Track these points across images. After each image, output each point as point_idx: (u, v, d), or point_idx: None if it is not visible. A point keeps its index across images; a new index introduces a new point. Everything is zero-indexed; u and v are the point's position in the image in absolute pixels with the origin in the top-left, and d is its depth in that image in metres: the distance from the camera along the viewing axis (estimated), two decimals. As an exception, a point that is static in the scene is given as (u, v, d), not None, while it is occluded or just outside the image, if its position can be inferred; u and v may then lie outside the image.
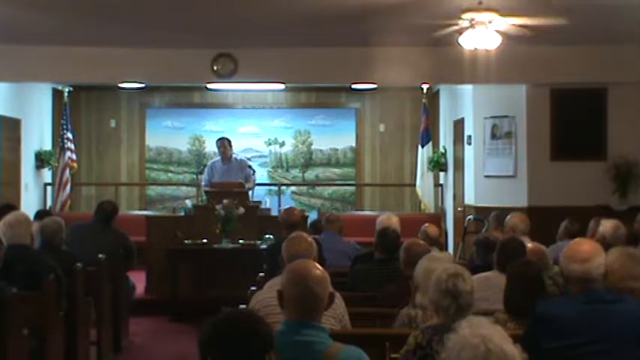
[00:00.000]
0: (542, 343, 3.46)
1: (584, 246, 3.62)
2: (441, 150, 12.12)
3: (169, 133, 13.26)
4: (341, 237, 7.18)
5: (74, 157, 11.96)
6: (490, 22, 7.05)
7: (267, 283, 4.49)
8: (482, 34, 7.12)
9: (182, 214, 9.55)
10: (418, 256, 4.47)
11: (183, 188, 13.17)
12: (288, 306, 2.93)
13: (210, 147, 12.47)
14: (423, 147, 11.88)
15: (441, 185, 12.29)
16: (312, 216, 9.86)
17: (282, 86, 11.76)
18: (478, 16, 6.99)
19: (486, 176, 10.15)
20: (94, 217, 7.51)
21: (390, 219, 6.49)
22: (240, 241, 8.55)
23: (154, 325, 8.30)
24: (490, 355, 2.28)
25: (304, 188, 13.39)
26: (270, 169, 13.30)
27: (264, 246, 8.00)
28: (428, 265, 4.14)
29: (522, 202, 9.72)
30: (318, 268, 2.99)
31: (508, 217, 6.88)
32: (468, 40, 7.24)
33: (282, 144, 13.31)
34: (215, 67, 9.63)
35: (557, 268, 5.37)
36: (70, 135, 11.86)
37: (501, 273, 4.82)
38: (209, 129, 13.11)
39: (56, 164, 11.81)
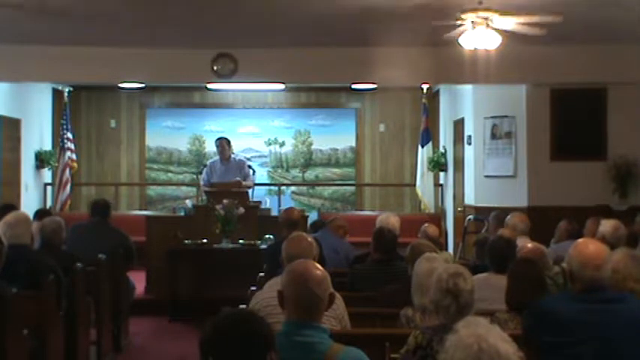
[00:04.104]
0: (542, 336, 3.48)
1: (597, 251, 3.60)
2: (441, 150, 12.11)
3: (169, 133, 13.25)
4: (338, 237, 7.15)
5: (74, 157, 11.96)
6: (490, 22, 7.04)
7: (267, 283, 4.49)
8: (482, 34, 7.11)
9: (182, 214, 9.54)
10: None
11: (184, 188, 13.16)
12: (288, 306, 2.93)
13: (210, 147, 12.47)
14: (423, 147, 11.88)
15: (441, 185, 12.29)
16: (312, 216, 9.86)
17: (282, 86, 11.75)
18: (478, 16, 6.98)
19: (486, 176, 10.14)
20: (91, 216, 7.52)
21: (389, 219, 6.49)
22: (240, 241, 8.55)
23: (154, 325, 8.30)
24: (482, 355, 2.28)
25: (304, 188, 13.39)
26: (270, 169, 13.29)
27: (264, 246, 8.00)
28: (427, 266, 4.14)
29: (522, 202, 9.71)
30: (318, 269, 2.99)
31: (508, 217, 6.87)
32: (468, 40, 7.22)
33: (282, 144, 13.30)
34: (215, 67, 9.62)
35: (557, 268, 5.38)
36: (70, 135, 11.86)
37: (496, 274, 4.83)
38: (209, 129, 13.11)
39: (56, 164, 11.81)
